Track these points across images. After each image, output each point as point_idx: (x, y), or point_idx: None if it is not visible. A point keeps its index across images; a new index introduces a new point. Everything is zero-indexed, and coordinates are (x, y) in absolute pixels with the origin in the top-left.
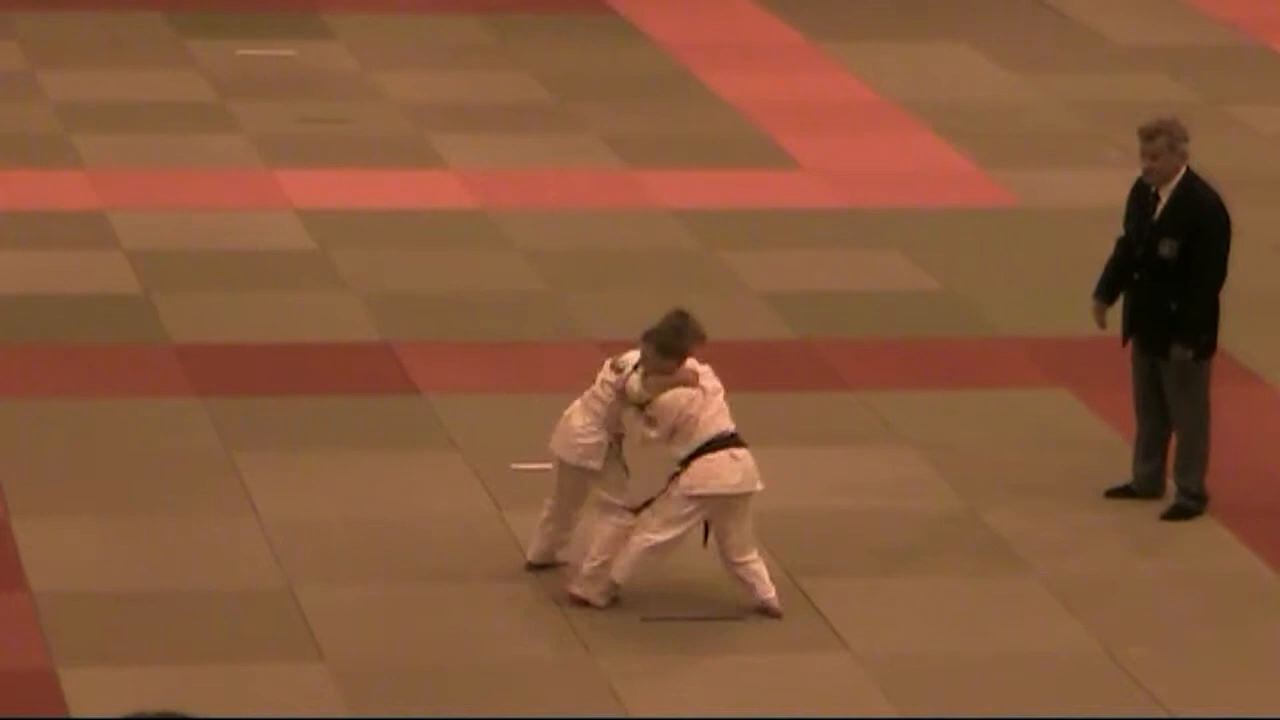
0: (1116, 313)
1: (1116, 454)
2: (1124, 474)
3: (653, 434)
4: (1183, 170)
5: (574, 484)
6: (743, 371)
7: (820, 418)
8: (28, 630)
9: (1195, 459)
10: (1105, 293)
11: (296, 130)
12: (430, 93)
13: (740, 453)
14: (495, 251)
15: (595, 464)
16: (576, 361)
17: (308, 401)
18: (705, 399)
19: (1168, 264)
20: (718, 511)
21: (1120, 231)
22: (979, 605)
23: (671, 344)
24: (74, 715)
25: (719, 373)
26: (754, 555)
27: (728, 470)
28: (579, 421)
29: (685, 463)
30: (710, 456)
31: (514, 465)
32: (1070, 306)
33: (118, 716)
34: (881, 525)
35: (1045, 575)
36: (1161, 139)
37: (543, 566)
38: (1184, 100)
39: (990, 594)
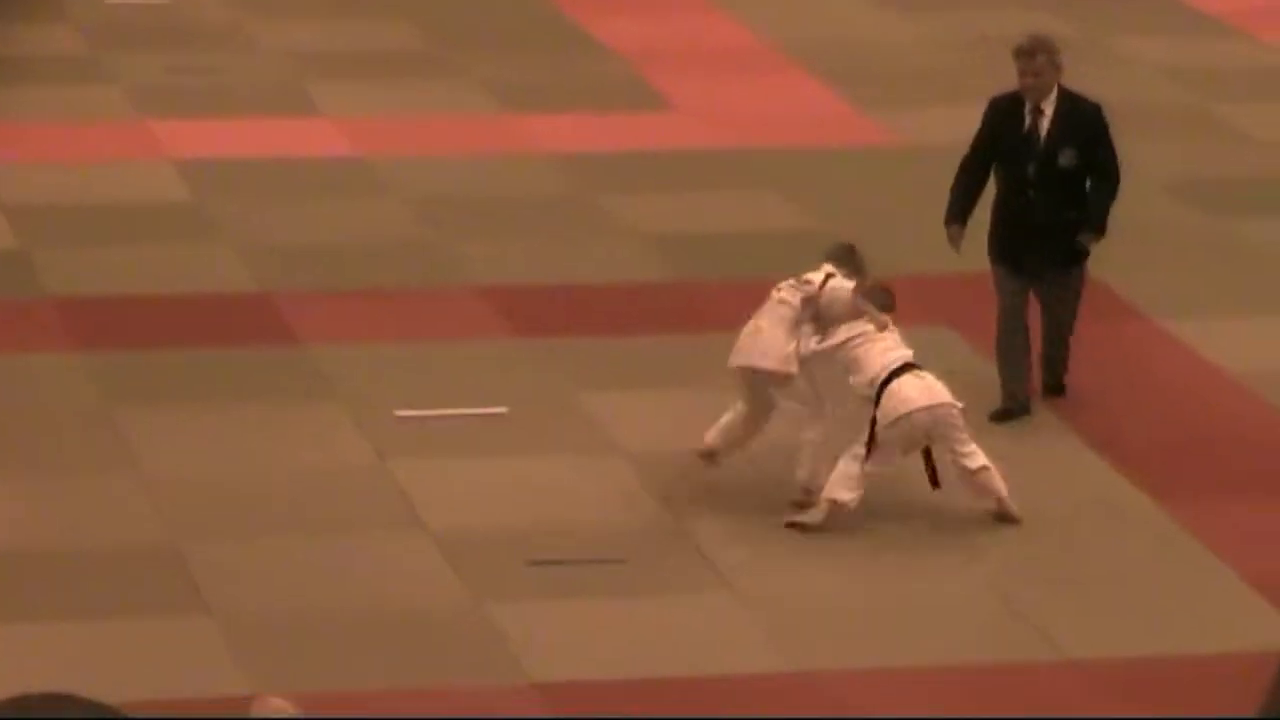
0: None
1: (996, 388)
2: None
3: (815, 344)
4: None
5: (764, 393)
6: (622, 314)
7: (701, 359)
8: None
9: (1066, 358)
10: (963, 217)
11: (170, 80)
12: (306, 41)
13: (922, 373)
14: (373, 199)
15: (794, 368)
16: (457, 308)
17: (187, 354)
18: (876, 338)
19: (1066, 173)
20: (926, 434)
21: (970, 158)
22: (864, 545)
23: (887, 303)
24: None
25: (595, 315)
26: (982, 463)
27: (913, 391)
28: (769, 330)
29: (875, 399)
30: (892, 386)
31: (398, 412)
32: (949, 244)
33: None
34: (766, 465)
35: (932, 513)
36: (1042, 56)
37: (711, 455)
38: (1067, 34)
39: (875, 532)
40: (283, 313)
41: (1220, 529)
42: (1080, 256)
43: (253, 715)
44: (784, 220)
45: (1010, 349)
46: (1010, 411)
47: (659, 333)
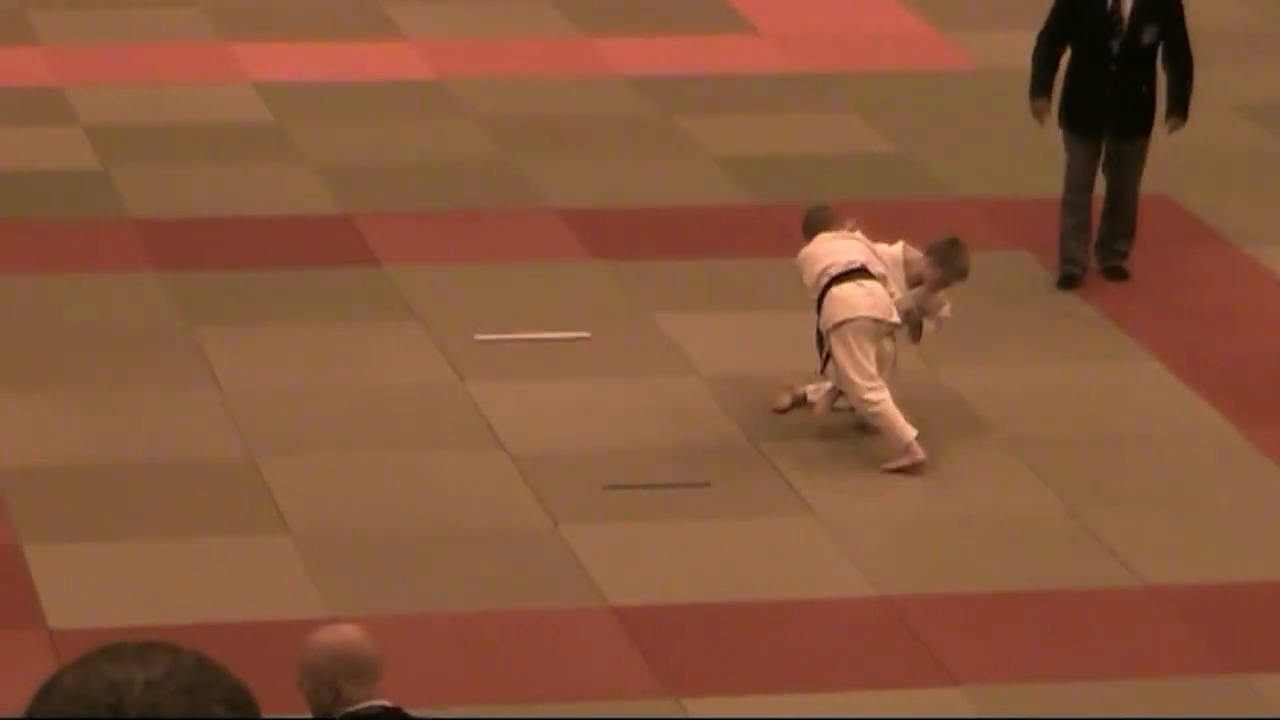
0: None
1: (1075, 311)
2: (1089, 331)
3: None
4: None
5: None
6: (700, 237)
7: (778, 282)
8: None
9: (1132, 235)
10: (1048, 91)
11: (251, 2)
12: None
13: (867, 283)
14: (453, 121)
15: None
16: (535, 230)
17: (268, 274)
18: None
19: (1146, 50)
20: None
21: (1049, 34)
22: (941, 465)
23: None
24: (42, 595)
25: (672, 238)
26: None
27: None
28: None
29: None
30: (833, 291)
31: (478, 336)
32: (1027, 167)
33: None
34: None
35: (1006, 435)
36: None
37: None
38: None
39: (952, 455)
40: (362, 233)
41: None
42: (1149, 127)
43: (320, 641)
44: (863, 144)
45: (1078, 209)
46: (1074, 277)
47: (737, 256)
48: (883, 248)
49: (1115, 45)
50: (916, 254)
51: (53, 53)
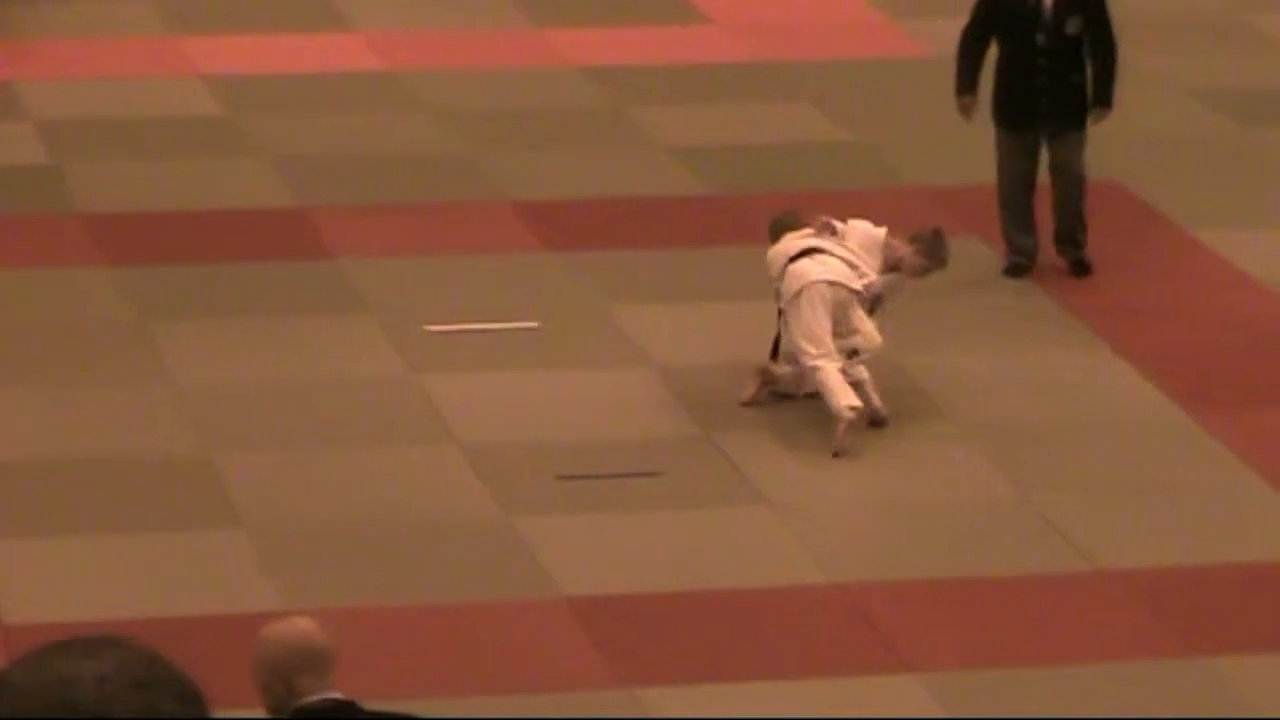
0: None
1: (1030, 297)
2: (1041, 318)
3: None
4: None
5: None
6: (654, 227)
7: (736, 272)
8: None
9: (1084, 226)
10: (974, 87)
11: None
12: None
13: (823, 257)
14: (405, 113)
15: None
16: (489, 222)
17: (221, 268)
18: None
19: (1072, 39)
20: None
21: (973, 30)
22: (896, 452)
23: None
24: None
25: (628, 228)
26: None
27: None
28: None
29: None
30: (790, 268)
31: (428, 327)
32: (982, 155)
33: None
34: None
35: (960, 421)
36: None
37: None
38: None
39: (906, 441)
40: (314, 226)
41: (1251, 438)
42: (1085, 116)
43: (274, 633)
44: (819, 133)
45: (1017, 205)
46: (1021, 266)
47: (691, 246)
48: (865, 226)
49: (1041, 38)
50: (900, 241)
51: (1, 47)
